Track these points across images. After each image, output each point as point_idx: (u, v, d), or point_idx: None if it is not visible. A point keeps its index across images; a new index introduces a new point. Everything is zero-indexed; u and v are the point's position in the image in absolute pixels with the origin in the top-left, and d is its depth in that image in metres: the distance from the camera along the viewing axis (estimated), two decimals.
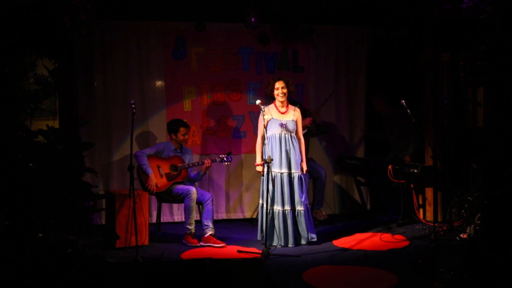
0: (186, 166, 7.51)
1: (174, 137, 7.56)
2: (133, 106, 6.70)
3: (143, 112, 8.19)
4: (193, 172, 7.72)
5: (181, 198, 7.35)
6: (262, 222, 7.04)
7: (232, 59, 8.54)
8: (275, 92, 7.14)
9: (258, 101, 7.05)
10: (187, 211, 7.28)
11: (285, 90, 7.13)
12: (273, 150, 7.04)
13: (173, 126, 7.57)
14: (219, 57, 8.50)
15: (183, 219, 7.59)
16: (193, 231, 7.27)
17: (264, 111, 6.95)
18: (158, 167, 7.40)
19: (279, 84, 7.14)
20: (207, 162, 7.56)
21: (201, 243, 7.19)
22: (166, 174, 7.41)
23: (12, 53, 5.48)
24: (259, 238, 7.13)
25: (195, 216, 7.31)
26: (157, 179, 7.36)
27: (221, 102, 8.52)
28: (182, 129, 7.54)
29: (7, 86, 5.24)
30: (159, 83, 8.33)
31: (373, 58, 8.94)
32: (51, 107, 6.37)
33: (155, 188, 7.31)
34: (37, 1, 5.71)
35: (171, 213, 8.41)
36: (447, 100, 8.02)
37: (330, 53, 8.81)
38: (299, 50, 8.73)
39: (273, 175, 6.91)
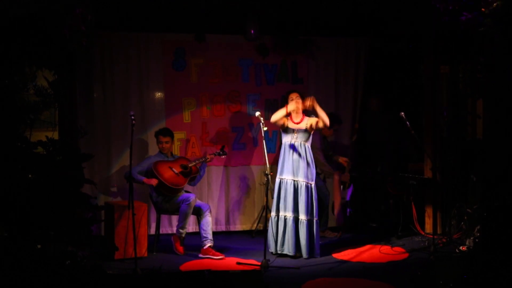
0: (194, 163, 7.62)
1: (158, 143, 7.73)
2: (132, 117, 6.70)
3: (142, 123, 8.19)
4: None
5: (180, 205, 7.38)
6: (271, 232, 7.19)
7: (232, 71, 8.55)
8: (289, 100, 7.27)
9: (257, 113, 7.09)
10: (182, 216, 7.33)
11: (295, 100, 7.22)
12: (286, 157, 7.18)
13: (155, 134, 7.76)
14: (218, 69, 8.51)
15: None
16: (183, 235, 7.35)
17: (263, 123, 6.96)
18: (171, 168, 7.50)
19: (292, 96, 7.25)
20: (210, 157, 7.77)
21: (200, 255, 7.19)
22: (181, 172, 7.50)
23: (12, 64, 5.49)
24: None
25: (188, 223, 7.45)
26: (174, 179, 7.43)
27: (220, 114, 8.52)
28: (159, 137, 7.67)
29: (7, 97, 5.24)
30: (158, 94, 8.33)
31: (373, 70, 8.95)
32: (50, 118, 6.37)
33: (156, 180, 7.39)
34: (37, 12, 5.73)
35: (170, 225, 8.38)
36: (446, 112, 8.03)
37: (330, 64, 8.83)
38: (298, 61, 8.74)
39: (279, 181, 7.15)
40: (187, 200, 7.32)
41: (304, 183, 7.06)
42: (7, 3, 5.43)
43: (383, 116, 8.57)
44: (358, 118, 8.94)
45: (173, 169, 7.50)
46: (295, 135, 7.16)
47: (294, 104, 7.19)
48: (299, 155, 7.12)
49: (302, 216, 7.04)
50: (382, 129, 8.60)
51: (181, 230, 7.36)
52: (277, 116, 7.20)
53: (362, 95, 8.93)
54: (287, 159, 7.16)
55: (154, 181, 7.35)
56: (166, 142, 7.65)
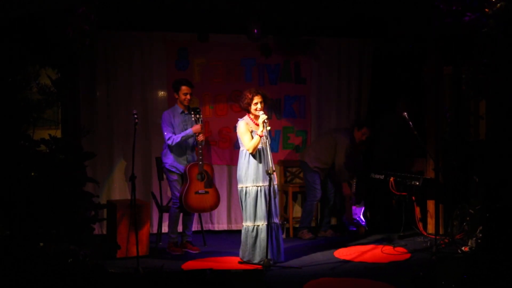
0: (201, 161, 7.23)
1: (177, 97, 7.41)
2: (135, 116, 6.71)
3: (145, 122, 8.20)
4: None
5: (171, 205, 7.40)
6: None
7: (235, 71, 8.57)
8: (253, 106, 6.83)
9: (260, 113, 6.93)
10: (171, 220, 7.37)
11: (262, 105, 6.87)
12: (258, 164, 6.84)
13: (176, 85, 7.39)
14: (221, 68, 8.52)
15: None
16: (176, 239, 7.39)
17: (266, 122, 6.80)
18: (197, 192, 7.23)
19: (258, 99, 6.83)
20: (200, 138, 7.27)
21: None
22: (206, 184, 7.28)
23: (15, 63, 5.50)
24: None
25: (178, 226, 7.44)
26: (209, 202, 7.31)
27: (223, 113, 8.53)
28: (183, 88, 7.31)
29: (10, 96, 5.26)
30: (161, 93, 8.35)
31: (375, 71, 8.95)
32: (53, 116, 6.37)
33: (201, 131, 7.21)
34: (40, 11, 5.74)
35: None
36: (449, 113, 8.02)
37: (332, 65, 8.84)
38: (301, 62, 8.75)
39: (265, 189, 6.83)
40: (174, 202, 7.32)
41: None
42: (11, 2, 5.44)
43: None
44: (364, 119, 8.93)
45: (200, 191, 7.25)
46: (264, 139, 6.81)
47: (263, 116, 6.73)
48: (265, 158, 6.84)
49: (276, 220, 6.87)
50: (398, 132, 8.60)
51: (172, 235, 7.39)
52: (254, 144, 6.76)
53: (367, 96, 8.93)
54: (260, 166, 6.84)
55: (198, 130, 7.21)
56: (191, 94, 7.39)
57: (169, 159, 7.35)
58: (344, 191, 8.26)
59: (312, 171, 8.06)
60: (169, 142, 7.24)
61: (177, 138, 7.23)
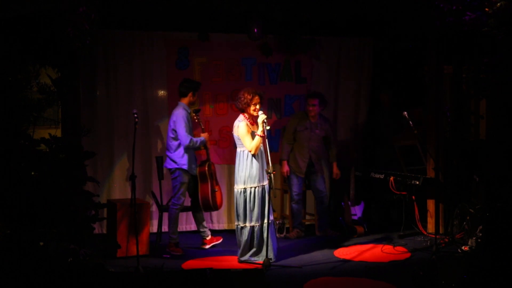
0: (208, 162, 7.43)
1: (192, 97, 7.44)
2: (135, 115, 6.72)
3: (145, 121, 8.19)
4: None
5: (169, 205, 7.43)
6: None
7: (235, 70, 8.56)
8: (252, 107, 6.83)
9: (260, 112, 6.91)
10: (172, 221, 7.37)
11: (260, 105, 6.87)
12: (261, 164, 6.88)
13: (194, 85, 7.49)
14: (221, 68, 8.51)
15: (183, 229, 7.63)
16: (177, 240, 7.35)
17: (266, 122, 6.79)
18: (213, 191, 7.39)
19: (257, 99, 6.84)
20: (204, 137, 7.49)
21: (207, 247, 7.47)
22: (216, 183, 7.52)
23: (16, 62, 5.50)
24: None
25: (181, 222, 7.58)
26: (220, 197, 7.56)
27: (223, 113, 8.53)
28: (198, 89, 7.56)
29: (10, 95, 5.26)
30: (161, 93, 8.34)
31: (376, 70, 8.95)
32: (53, 116, 6.38)
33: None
34: (41, 10, 5.74)
35: None
36: (449, 112, 8.03)
37: (333, 64, 8.83)
38: (302, 61, 8.75)
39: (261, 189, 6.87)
40: (175, 204, 7.33)
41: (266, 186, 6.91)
42: (11, 2, 5.45)
43: (395, 113, 8.54)
44: (362, 124, 8.94)
45: (215, 188, 7.41)
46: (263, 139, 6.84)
47: (262, 116, 6.73)
48: (263, 158, 6.95)
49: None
50: (394, 126, 8.62)
51: (173, 236, 7.36)
52: (256, 144, 6.74)
53: (367, 95, 8.93)
54: (260, 165, 6.88)
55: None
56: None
57: (186, 161, 7.30)
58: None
59: (291, 171, 8.11)
60: (188, 142, 7.20)
61: (196, 141, 7.28)
